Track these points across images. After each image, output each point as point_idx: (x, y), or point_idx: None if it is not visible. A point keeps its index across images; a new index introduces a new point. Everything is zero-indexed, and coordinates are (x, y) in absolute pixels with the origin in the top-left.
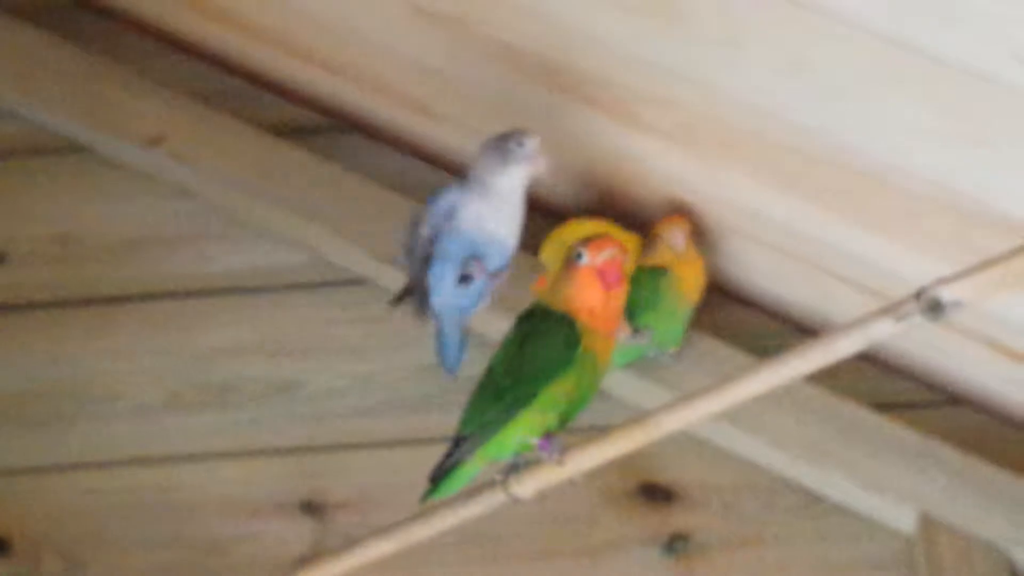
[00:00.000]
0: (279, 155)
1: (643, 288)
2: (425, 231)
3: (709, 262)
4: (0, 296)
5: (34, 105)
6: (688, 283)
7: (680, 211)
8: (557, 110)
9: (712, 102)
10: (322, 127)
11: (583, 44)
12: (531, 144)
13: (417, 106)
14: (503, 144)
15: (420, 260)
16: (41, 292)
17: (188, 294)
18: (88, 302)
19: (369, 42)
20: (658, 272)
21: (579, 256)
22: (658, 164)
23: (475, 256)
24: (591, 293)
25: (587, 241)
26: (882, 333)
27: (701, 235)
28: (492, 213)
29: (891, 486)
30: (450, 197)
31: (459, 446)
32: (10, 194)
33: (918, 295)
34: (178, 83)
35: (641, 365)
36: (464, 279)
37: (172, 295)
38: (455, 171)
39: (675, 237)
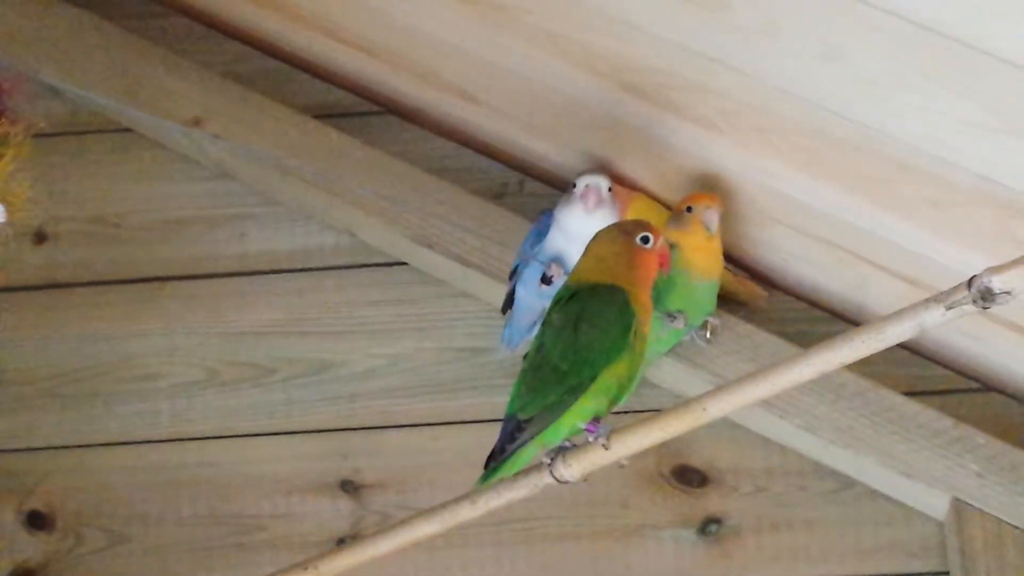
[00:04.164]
0: (317, 137)
1: None
2: (523, 248)
3: (740, 246)
4: (41, 275)
5: (76, 85)
6: (697, 259)
7: (711, 189)
8: (597, 96)
9: (750, 89)
10: (360, 109)
11: (624, 32)
12: (581, 184)
13: (456, 91)
14: (570, 185)
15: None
16: (81, 272)
17: (226, 274)
18: (128, 282)
19: (409, 27)
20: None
21: (646, 240)
22: (695, 150)
23: (556, 260)
24: (652, 275)
25: (645, 226)
26: (932, 321)
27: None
28: (565, 246)
29: (923, 472)
30: (544, 222)
31: (520, 429)
32: (51, 173)
33: (969, 283)
34: (218, 64)
35: (679, 351)
36: (545, 280)
37: (211, 275)
38: (493, 155)
39: (710, 217)
